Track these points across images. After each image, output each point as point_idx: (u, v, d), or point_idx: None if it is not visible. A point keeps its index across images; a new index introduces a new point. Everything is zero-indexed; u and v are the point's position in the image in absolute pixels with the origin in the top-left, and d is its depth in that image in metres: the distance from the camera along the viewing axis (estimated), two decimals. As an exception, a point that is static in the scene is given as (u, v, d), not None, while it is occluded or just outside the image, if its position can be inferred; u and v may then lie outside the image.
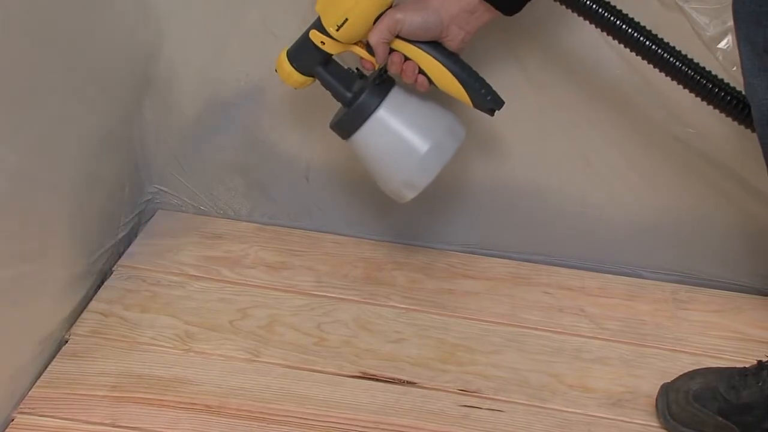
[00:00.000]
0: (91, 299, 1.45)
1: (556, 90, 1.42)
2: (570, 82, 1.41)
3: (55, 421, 1.25)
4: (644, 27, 1.17)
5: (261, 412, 1.28)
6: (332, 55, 1.29)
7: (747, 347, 1.42)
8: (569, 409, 1.32)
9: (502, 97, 1.26)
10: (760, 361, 1.27)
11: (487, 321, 1.46)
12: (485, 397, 1.33)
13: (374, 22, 1.23)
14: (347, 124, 1.31)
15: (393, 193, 1.35)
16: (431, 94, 1.29)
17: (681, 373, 1.32)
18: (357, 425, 1.27)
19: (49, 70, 1.27)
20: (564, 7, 1.19)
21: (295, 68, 1.30)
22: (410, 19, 1.21)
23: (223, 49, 1.48)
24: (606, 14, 1.17)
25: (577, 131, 1.45)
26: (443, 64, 1.24)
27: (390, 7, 1.23)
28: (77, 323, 1.40)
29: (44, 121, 1.28)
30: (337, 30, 1.24)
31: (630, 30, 1.17)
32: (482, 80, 1.26)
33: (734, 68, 1.21)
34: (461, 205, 1.55)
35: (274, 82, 1.49)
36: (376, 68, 1.29)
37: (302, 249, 1.59)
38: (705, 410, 1.25)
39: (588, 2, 1.17)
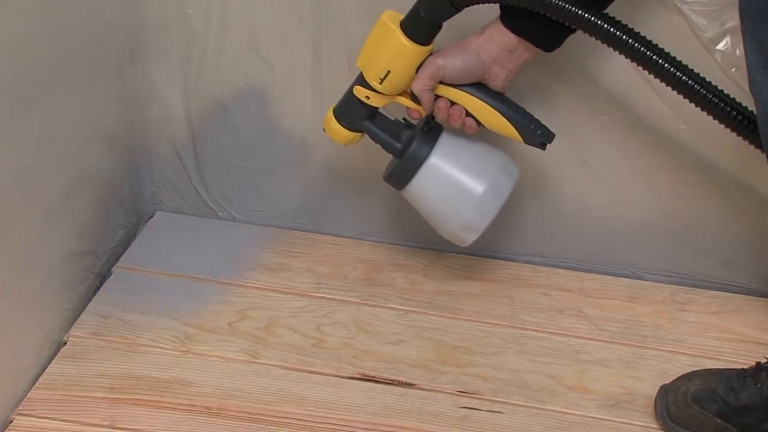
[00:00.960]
0: (90, 301, 1.45)
1: (553, 92, 1.42)
2: (568, 84, 1.41)
3: (54, 422, 1.25)
4: (675, 57, 1.15)
5: (260, 414, 1.28)
6: (378, 108, 1.30)
7: (746, 349, 1.42)
8: (568, 411, 1.32)
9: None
10: (758, 363, 1.27)
11: (486, 322, 1.46)
12: (484, 399, 1.33)
13: (416, 71, 1.23)
14: (400, 175, 1.32)
15: (453, 238, 1.36)
16: (480, 134, 1.29)
17: (680, 375, 1.31)
18: (356, 427, 1.27)
19: (49, 69, 1.27)
20: (598, 40, 1.17)
21: (343, 126, 1.32)
22: (451, 63, 1.22)
23: (222, 51, 1.48)
24: (635, 44, 1.15)
25: (576, 133, 1.45)
26: (490, 105, 1.25)
27: (430, 54, 1.23)
28: (76, 325, 1.40)
29: (43, 121, 1.28)
30: (381, 83, 1.25)
31: (660, 60, 1.14)
32: (530, 116, 1.27)
33: (733, 69, 1.21)
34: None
35: (272, 84, 1.50)
36: (423, 116, 1.29)
37: (301, 250, 1.59)
38: (704, 412, 1.25)
39: (621, 35, 1.14)
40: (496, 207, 1.32)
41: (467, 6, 1.19)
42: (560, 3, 1.12)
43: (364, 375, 1.35)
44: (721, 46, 1.29)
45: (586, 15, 1.13)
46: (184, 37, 1.48)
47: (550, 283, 1.55)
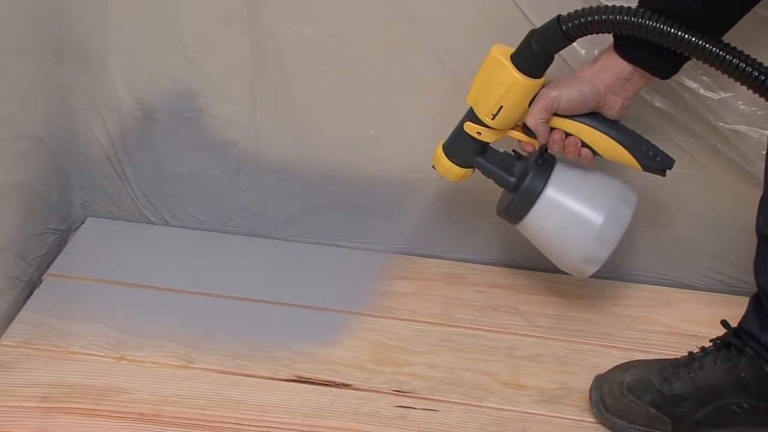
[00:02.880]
0: (20, 309, 1.43)
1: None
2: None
3: (-15, 434, 1.23)
4: None
5: (196, 419, 1.27)
6: (489, 143, 1.28)
7: (676, 341, 1.43)
8: (504, 407, 1.33)
9: None
10: (691, 353, 1.29)
11: (421, 321, 1.47)
12: (420, 398, 1.33)
13: (529, 104, 1.22)
14: (516, 209, 1.31)
15: (572, 270, 1.35)
16: (594, 162, 1.27)
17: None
18: (293, 429, 1.27)
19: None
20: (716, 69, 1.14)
21: (454, 162, 1.30)
22: (566, 94, 1.20)
23: (151, 55, 1.47)
24: (757, 74, 1.11)
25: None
26: (607, 135, 1.23)
27: (543, 86, 1.21)
28: (6, 334, 1.38)
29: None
30: (493, 118, 1.23)
31: None
32: (648, 143, 1.25)
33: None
34: (393, 206, 1.56)
35: (202, 87, 1.49)
36: (537, 148, 1.27)
37: (236, 253, 1.58)
38: (638, 402, 1.27)
39: (743, 65, 1.11)
40: (617, 236, 1.30)
41: (580, 36, 1.16)
42: (676, 32, 1.10)
43: (299, 377, 1.35)
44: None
45: (706, 44, 1.10)
46: (112, 41, 1.47)
47: (483, 280, 1.55)
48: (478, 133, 1.27)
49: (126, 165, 1.58)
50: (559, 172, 1.30)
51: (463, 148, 1.30)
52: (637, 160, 1.24)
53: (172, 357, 1.37)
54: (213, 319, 1.44)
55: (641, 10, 1.12)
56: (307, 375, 1.35)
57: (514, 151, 1.32)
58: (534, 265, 1.56)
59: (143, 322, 1.42)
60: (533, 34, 1.19)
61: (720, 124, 1.36)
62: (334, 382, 1.35)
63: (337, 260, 1.58)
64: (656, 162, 1.25)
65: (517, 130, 1.26)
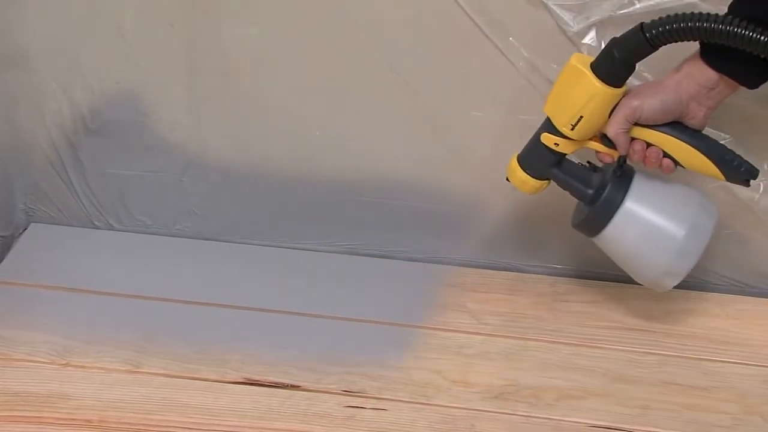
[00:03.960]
0: (-39, 318, 1.41)
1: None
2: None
3: (-74, 445, 1.21)
4: None
5: (143, 424, 1.26)
6: (566, 154, 1.26)
7: (625, 336, 1.44)
8: (453, 405, 1.33)
9: None
10: None
11: (371, 321, 1.46)
12: (369, 397, 1.33)
13: (609, 114, 1.19)
14: (594, 222, 1.28)
15: (651, 283, 1.32)
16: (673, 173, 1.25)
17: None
18: (241, 431, 1.26)
19: None
20: None
21: (529, 174, 1.27)
22: (648, 104, 1.17)
23: (92, 58, 1.46)
24: None
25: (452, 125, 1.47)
26: (691, 145, 1.20)
27: (623, 95, 1.19)
28: (-54, 343, 1.36)
29: None
30: (572, 129, 1.20)
31: None
32: (732, 152, 1.22)
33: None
34: (340, 208, 1.56)
35: (145, 90, 1.48)
36: (615, 159, 1.25)
37: (180, 256, 1.57)
38: None
39: None
40: (699, 249, 1.27)
41: (665, 44, 1.13)
42: (767, 41, 1.07)
43: (248, 379, 1.34)
44: (587, 39, 1.32)
45: None
46: (52, 45, 1.46)
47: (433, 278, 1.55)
48: (555, 144, 1.24)
49: (69, 169, 1.57)
50: (638, 184, 1.27)
51: (539, 159, 1.27)
52: (721, 171, 1.22)
53: (119, 362, 1.35)
54: (160, 323, 1.42)
55: (730, 17, 1.09)
56: (256, 377, 1.34)
57: (588, 162, 1.30)
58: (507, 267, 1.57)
59: (89, 328, 1.40)
60: (615, 42, 1.16)
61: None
62: (283, 384, 1.34)
63: (284, 262, 1.58)
64: (741, 172, 1.22)
65: (595, 141, 1.24)
